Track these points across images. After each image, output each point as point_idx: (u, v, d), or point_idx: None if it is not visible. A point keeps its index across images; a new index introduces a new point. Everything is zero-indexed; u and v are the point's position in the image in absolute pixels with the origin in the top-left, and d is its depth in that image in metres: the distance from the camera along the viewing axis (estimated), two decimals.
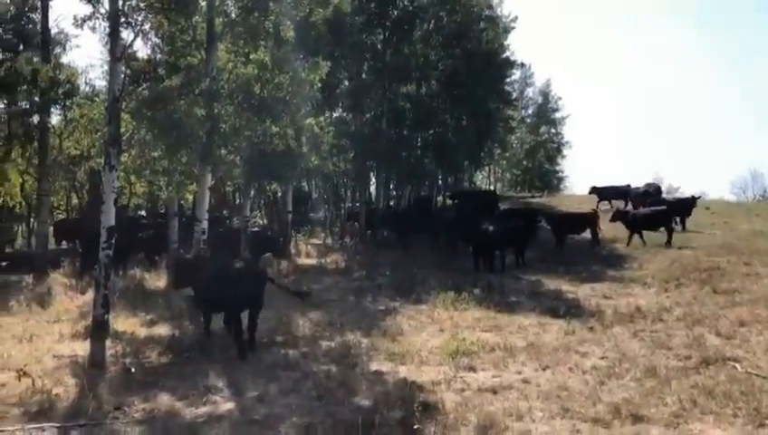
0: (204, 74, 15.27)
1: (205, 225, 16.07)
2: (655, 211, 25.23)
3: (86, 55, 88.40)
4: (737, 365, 9.55)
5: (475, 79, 31.21)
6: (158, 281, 18.22)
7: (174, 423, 7.62)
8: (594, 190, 36.07)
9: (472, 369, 9.85)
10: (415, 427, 7.15)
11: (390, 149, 29.15)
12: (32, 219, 31.89)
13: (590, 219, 24.78)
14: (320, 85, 17.88)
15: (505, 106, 40.07)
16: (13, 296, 15.67)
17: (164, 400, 8.47)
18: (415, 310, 14.61)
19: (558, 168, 63.33)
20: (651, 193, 32.41)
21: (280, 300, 15.29)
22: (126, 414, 7.92)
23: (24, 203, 33.69)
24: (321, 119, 22.69)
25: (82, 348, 10.70)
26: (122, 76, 12.16)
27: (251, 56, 16.01)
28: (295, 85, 16.61)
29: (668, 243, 22.97)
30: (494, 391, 8.66)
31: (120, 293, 15.22)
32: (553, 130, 62.98)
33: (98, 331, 10.19)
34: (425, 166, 33.27)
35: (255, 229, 24.81)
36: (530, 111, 63.55)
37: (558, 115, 63.09)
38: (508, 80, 42.48)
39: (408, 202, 33.81)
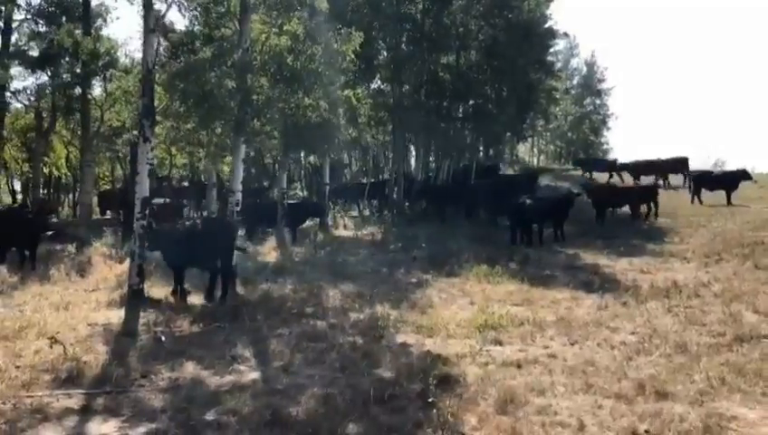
0: (237, 46, 15.26)
1: (239, 196, 16.13)
2: (639, 187, 26.32)
3: (126, 27, 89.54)
4: None
5: (516, 49, 30.63)
6: None
7: (197, 392, 7.71)
8: (578, 162, 36.09)
9: (498, 343, 9.74)
10: (429, 400, 7.12)
11: (429, 120, 28.94)
12: (77, 190, 32.70)
13: (631, 194, 24.47)
14: (353, 57, 17.67)
15: (548, 77, 39.37)
16: (54, 265, 15.96)
17: (190, 368, 8.57)
18: (447, 283, 14.54)
19: (603, 140, 62.41)
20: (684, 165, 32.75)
21: (313, 272, 15.48)
22: (151, 382, 8.04)
23: (69, 174, 34.64)
24: (359, 90, 22.58)
25: (117, 316, 10.89)
26: (156, 48, 12.26)
27: (284, 27, 15.90)
28: (328, 57, 16.47)
29: (655, 216, 23.92)
30: (519, 366, 8.54)
31: (156, 262, 15.41)
32: (598, 102, 61.99)
33: (132, 300, 10.41)
34: (464, 138, 32.95)
35: (293, 201, 24.94)
36: (575, 82, 62.54)
37: (603, 86, 62.03)
38: (552, 50, 41.74)
39: (447, 175, 33.55)
